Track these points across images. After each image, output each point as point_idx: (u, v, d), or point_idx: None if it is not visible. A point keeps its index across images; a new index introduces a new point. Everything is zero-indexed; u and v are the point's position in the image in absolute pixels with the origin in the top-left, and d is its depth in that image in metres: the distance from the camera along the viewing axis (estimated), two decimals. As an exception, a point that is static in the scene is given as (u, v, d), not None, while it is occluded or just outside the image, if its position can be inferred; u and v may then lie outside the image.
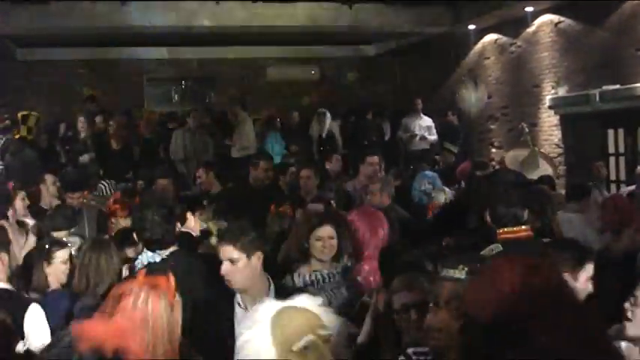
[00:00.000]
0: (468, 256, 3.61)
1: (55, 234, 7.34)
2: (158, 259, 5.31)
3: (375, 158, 10.85)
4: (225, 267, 4.63)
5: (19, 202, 8.98)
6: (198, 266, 5.39)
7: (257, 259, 4.70)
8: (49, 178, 10.24)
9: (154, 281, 3.73)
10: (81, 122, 15.60)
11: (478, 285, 2.84)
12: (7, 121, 14.91)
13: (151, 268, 3.93)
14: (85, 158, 14.47)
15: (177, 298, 3.63)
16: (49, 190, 10.04)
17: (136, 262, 5.53)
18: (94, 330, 3.23)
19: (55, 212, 8.09)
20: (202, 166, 11.50)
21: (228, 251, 4.65)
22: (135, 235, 6.08)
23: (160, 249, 5.42)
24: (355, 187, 10.23)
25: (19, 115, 14.49)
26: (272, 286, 4.79)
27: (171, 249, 5.47)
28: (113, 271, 5.62)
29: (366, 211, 6.83)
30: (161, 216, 5.45)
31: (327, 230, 5.68)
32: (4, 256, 5.64)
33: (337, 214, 7.00)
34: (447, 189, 10.35)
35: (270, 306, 3.10)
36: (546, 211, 7.00)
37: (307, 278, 5.58)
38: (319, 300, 3.21)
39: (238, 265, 4.62)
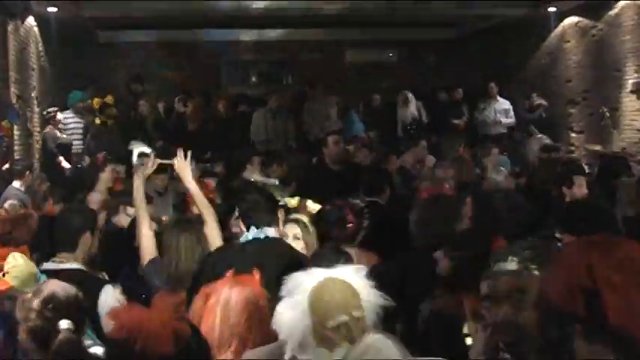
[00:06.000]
0: (517, 245, 3.49)
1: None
2: (262, 236, 5.22)
3: (424, 142, 11.81)
4: None
5: (108, 175, 9.09)
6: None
7: None
8: None
9: (239, 279, 3.75)
10: (161, 105, 15.80)
11: (552, 275, 2.71)
12: (88, 102, 15.04)
13: (237, 269, 3.92)
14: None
15: (266, 294, 3.66)
16: None
17: (242, 238, 5.47)
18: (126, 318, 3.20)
19: None
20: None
21: None
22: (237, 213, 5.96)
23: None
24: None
25: (96, 102, 14.59)
26: None
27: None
28: (194, 250, 5.64)
29: None
30: (264, 195, 5.40)
31: None
32: (88, 236, 5.63)
33: None
34: (503, 169, 10.12)
35: (314, 275, 3.16)
36: None
37: None
38: (363, 271, 3.22)
39: None
